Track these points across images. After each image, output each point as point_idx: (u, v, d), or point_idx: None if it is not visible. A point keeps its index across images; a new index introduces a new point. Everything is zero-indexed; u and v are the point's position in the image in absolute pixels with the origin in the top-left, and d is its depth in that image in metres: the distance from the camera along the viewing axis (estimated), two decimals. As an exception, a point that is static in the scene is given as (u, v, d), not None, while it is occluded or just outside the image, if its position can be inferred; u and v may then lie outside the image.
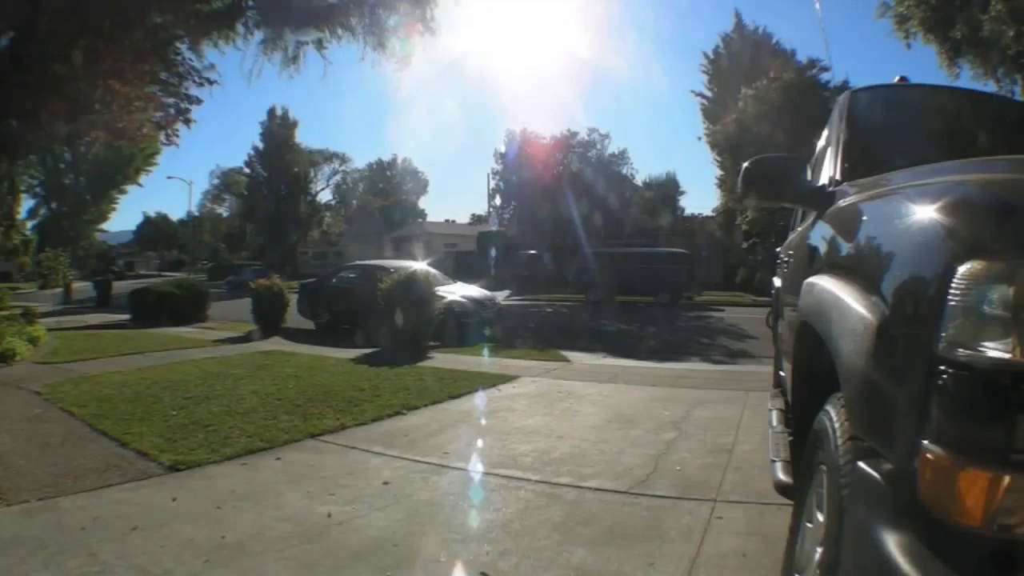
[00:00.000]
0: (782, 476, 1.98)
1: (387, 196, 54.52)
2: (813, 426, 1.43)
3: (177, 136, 11.62)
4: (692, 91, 31.24)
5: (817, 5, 17.91)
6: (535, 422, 4.48)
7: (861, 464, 1.01)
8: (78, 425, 4.35)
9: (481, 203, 70.42)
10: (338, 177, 57.58)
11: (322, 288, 12.39)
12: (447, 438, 4.10)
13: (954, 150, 2.07)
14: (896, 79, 2.75)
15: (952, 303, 0.83)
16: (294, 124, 50.02)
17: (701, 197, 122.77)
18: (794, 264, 2.53)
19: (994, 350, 0.79)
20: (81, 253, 43.73)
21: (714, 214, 30.40)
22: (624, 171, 37.01)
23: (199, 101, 11.35)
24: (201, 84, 11.20)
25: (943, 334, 0.83)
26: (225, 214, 61.94)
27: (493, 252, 27.11)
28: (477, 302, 10.74)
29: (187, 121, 11.41)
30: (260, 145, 49.54)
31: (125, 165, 39.03)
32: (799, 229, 2.74)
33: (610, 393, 5.46)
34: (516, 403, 5.12)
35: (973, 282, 0.82)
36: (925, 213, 1.00)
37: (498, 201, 36.69)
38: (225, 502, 2.94)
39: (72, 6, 8.72)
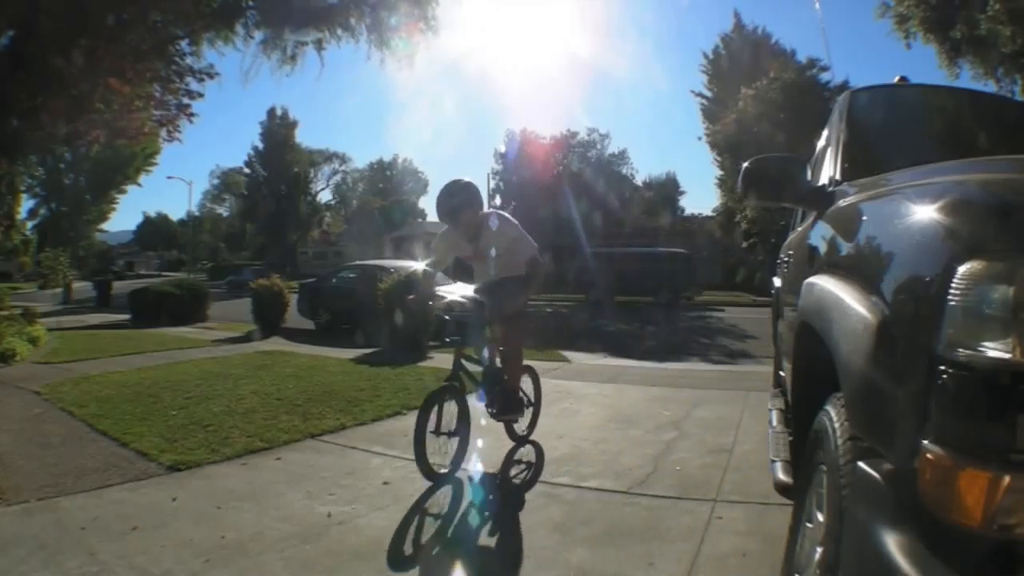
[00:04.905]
0: (782, 476, 1.98)
1: (387, 196, 54.48)
2: (813, 426, 1.43)
3: (179, 131, 11.65)
4: (692, 91, 31.32)
5: (817, 5, 17.93)
6: (535, 422, 4.46)
7: (861, 464, 1.01)
8: (78, 425, 4.34)
9: (481, 203, 70.24)
10: (338, 177, 57.73)
11: (322, 288, 12.38)
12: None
13: (954, 150, 2.08)
14: (896, 79, 2.75)
15: (952, 303, 0.83)
16: (294, 124, 50.19)
17: (701, 197, 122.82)
18: (794, 264, 2.52)
19: (994, 350, 0.79)
20: (81, 253, 43.71)
21: (714, 214, 30.43)
22: (624, 171, 37.03)
23: (200, 96, 11.40)
24: (202, 80, 11.24)
25: (943, 334, 0.83)
26: (225, 214, 62.06)
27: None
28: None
29: (189, 116, 11.44)
30: (260, 145, 49.67)
31: (125, 165, 39.02)
32: (799, 229, 2.74)
33: (610, 393, 5.46)
34: (516, 403, 5.10)
35: (973, 282, 0.82)
36: (925, 213, 1.00)
37: (498, 201, 36.62)
38: (225, 502, 2.94)
39: (72, 5, 8.73)
